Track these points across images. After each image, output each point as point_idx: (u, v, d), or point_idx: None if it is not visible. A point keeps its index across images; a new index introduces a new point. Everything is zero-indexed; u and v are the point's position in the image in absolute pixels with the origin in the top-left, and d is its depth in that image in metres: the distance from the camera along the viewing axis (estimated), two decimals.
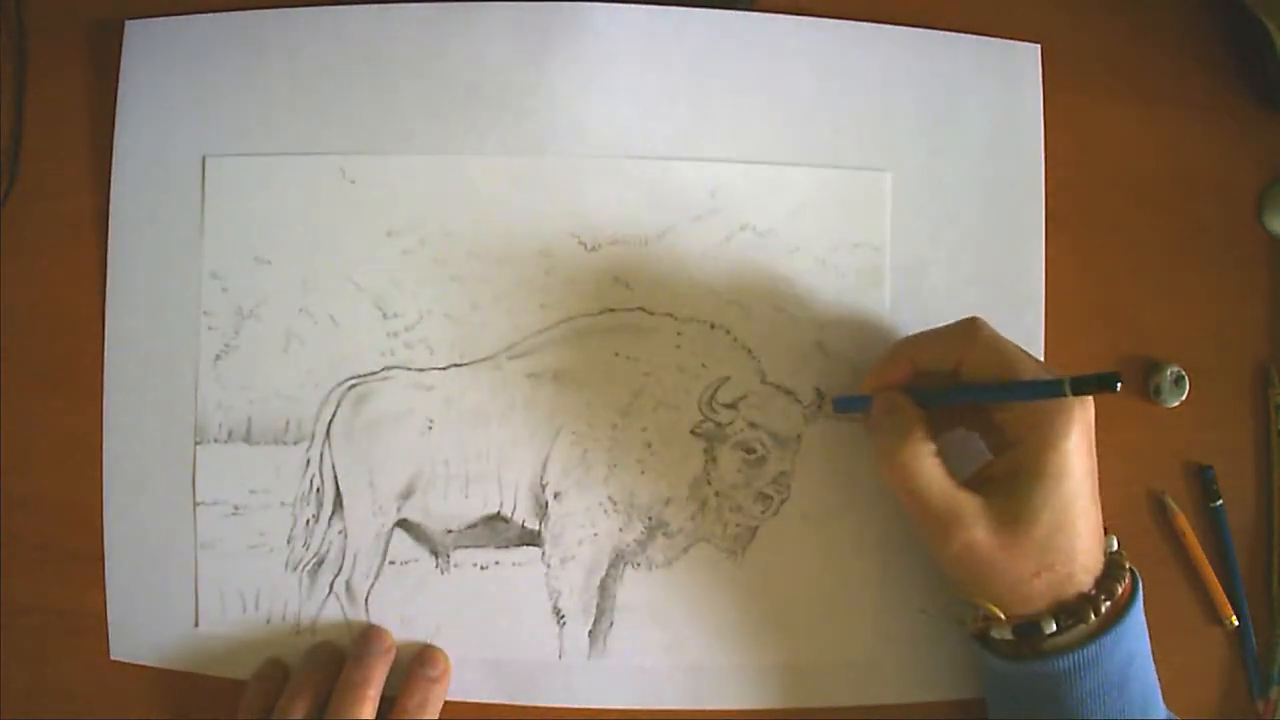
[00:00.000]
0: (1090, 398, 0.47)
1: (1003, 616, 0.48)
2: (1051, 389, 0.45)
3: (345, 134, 0.56)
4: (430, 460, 0.56)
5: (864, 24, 0.57)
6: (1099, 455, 0.57)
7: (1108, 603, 0.47)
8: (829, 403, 0.56)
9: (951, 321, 0.51)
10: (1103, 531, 0.49)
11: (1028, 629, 0.48)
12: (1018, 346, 0.49)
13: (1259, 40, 0.57)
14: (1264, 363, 0.59)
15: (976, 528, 0.47)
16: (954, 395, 0.50)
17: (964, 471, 0.49)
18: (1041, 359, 0.56)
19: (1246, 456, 0.59)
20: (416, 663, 0.54)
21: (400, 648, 0.55)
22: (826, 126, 0.57)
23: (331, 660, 0.54)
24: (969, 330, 0.49)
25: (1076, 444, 0.46)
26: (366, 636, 0.54)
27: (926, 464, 0.48)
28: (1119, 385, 0.43)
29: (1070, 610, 0.47)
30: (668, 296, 0.56)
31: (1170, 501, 0.58)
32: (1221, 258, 0.59)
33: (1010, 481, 0.48)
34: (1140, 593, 0.49)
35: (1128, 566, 0.49)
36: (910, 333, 0.55)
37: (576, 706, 0.56)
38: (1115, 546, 0.50)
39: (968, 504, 0.47)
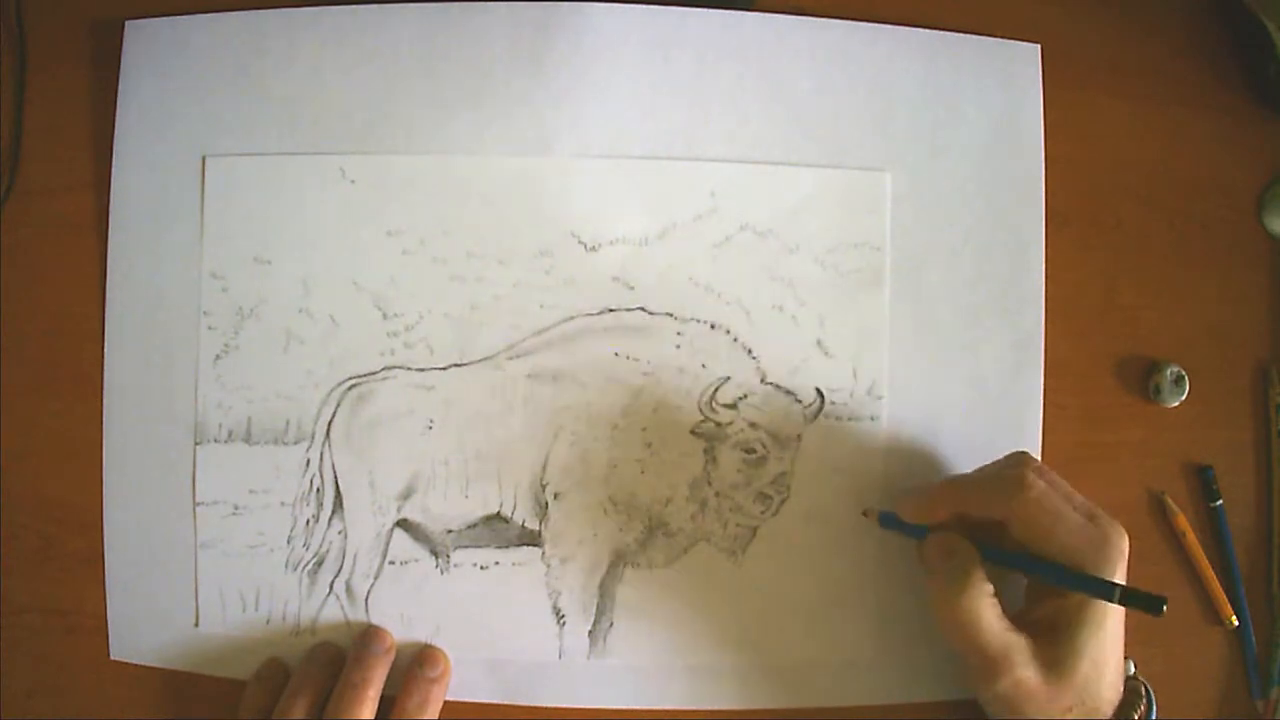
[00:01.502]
0: (1127, 548, 0.48)
1: None
2: (1103, 592, 0.47)
3: (345, 134, 0.56)
4: (430, 460, 0.55)
5: (864, 24, 0.57)
6: (1099, 454, 0.57)
7: None
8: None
9: (998, 459, 0.52)
10: (1123, 659, 0.51)
11: None
12: (1066, 503, 0.49)
13: (1259, 40, 0.57)
14: (1264, 363, 0.59)
15: (1026, 669, 0.48)
16: (1009, 561, 0.50)
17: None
18: (1040, 361, 0.56)
19: (1246, 456, 0.59)
20: (416, 663, 0.54)
21: (400, 648, 0.55)
22: (826, 126, 0.57)
23: (331, 660, 0.54)
24: (1018, 484, 0.49)
25: (1113, 641, 0.49)
26: (366, 637, 0.54)
27: (985, 607, 0.49)
28: (1164, 609, 0.45)
29: None
30: (668, 296, 0.56)
31: (1170, 501, 0.58)
32: (1221, 258, 0.59)
33: (1053, 626, 0.49)
34: (1154, 713, 0.51)
35: (1144, 691, 0.51)
36: (911, 329, 0.55)
37: (576, 706, 0.56)
38: (1133, 670, 0.52)
39: (1020, 646, 0.48)
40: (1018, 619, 0.50)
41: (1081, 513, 0.49)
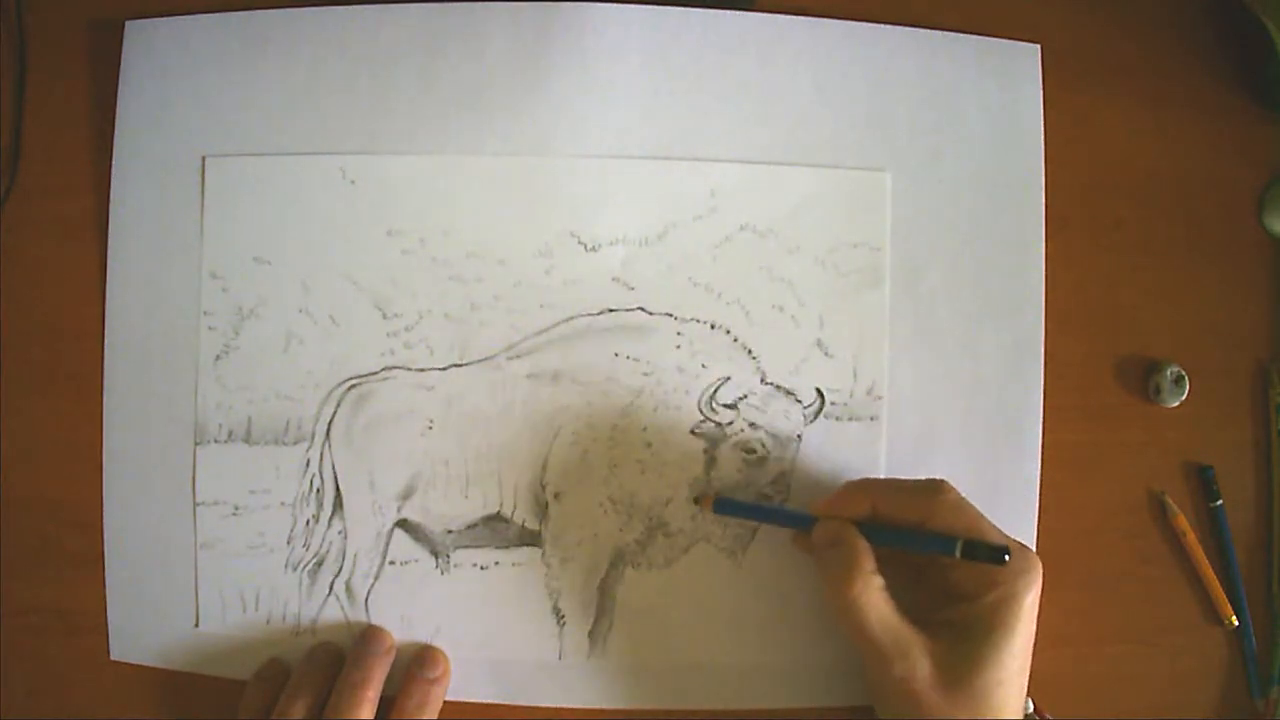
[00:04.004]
0: (1039, 566, 0.49)
1: None
2: (944, 547, 0.48)
3: (345, 134, 0.56)
4: (430, 460, 0.56)
5: (864, 24, 0.57)
6: (1099, 455, 0.58)
7: None
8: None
9: (920, 478, 0.52)
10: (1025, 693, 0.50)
11: None
12: (980, 513, 0.49)
13: (1259, 40, 0.57)
14: (1264, 363, 0.59)
15: (920, 663, 0.47)
16: (887, 538, 0.50)
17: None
18: (1040, 360, 0.56)
19: (1246, 456, 0.59)
20: (416, 664, 0.54)
21: (400, 648, 0.55)
22: (826, 126, 0.57)
23: (331, 661, 0.54)
24: (935, 489, 0.50)
25: (1032, 604, 0.48)
26: (366, 637, 0.54)
27: (874, 597, 0.48)
28: (1006, 559, 0.47)
29: None
30: (668, 296, 0.56)
31: (1170, 501, 0.58)
32: (1221, 258, 0.59)
33: (961, 631, 0.48)
34: None
35: None
36: (911, 329, 0.56)
37: (576, 706, 0.56)
38: (1031, 709, 0.52)
39: (914, 638, 0.48)
40: (920, 621, 0.49)
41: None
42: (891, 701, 0.49)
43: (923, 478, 0.51)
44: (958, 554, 0.47)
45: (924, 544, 0.49)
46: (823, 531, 0.51)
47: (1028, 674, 0.49)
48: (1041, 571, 0.48)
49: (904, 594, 0.49)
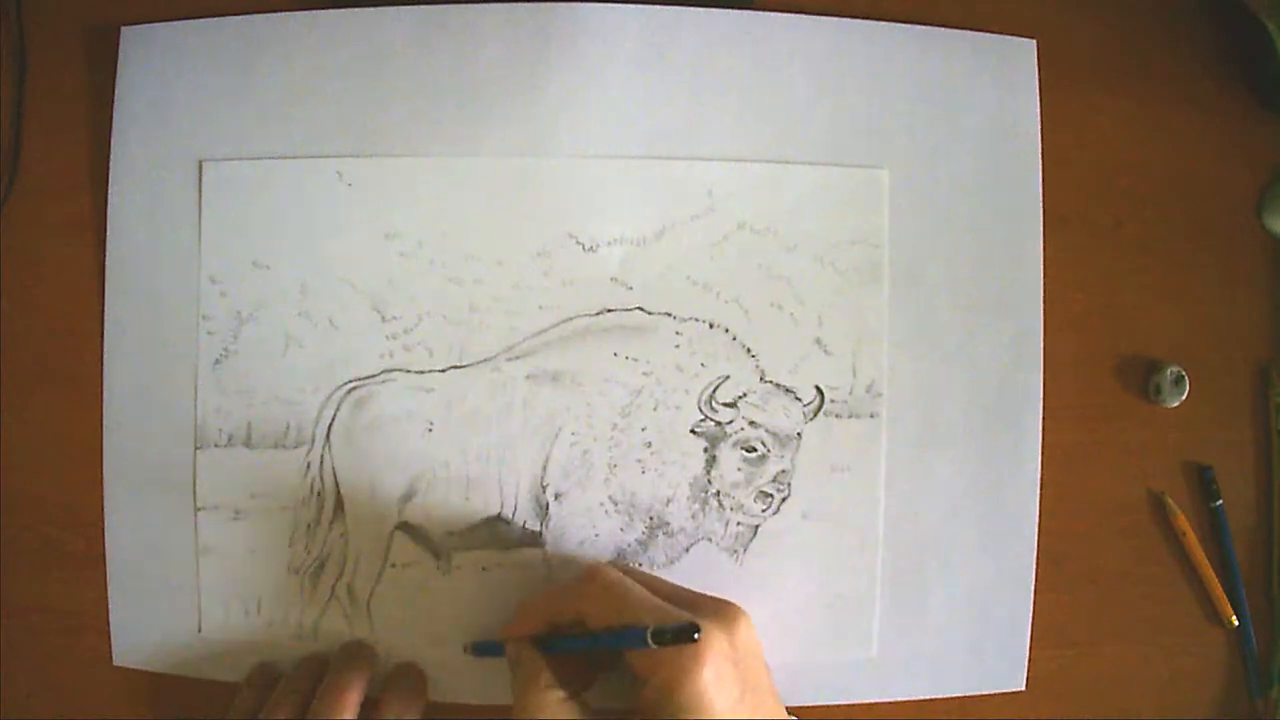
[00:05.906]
0: (728, 625, 0.46)
1: None
2: (634, 640, 0.44)
3: (342, 137, 0.56)
4: (430, 463, 0.55)
5: (860, 21, 0.57)
6: (1099, 455, 0.57)
7: None
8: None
9: None
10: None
11: None
12: (642, 590, 0.48)
13: (1259, 40, 0.57)
14: (1264, 363, 0.59)
15: None
16: (565, 645, 0.49)
17: None
18: (1040, 360, 0.56)
19: (1246, 456, 0.59)
20: (392, 679, 0.54)
21: (400, 650, 0.55)
22: (823, 124, 0.56)
23: (320, 668, 0.53)
24: (587, 578, 0.49)
25: (712, 679, 0.44)
26: (348, 648, 0.54)
27: (551, 709, 0.47)
28: (696, 636, 0.42)
29: None
30: (666, 296, 0.56)
31: (1170, 501, 0.58)
32: (1221, 258, 0.59)
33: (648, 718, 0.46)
34: None
35: None
36: (910, 326, 0.56)
37: None
38: None
39: None
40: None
41: (676, 599, 0.47)
42: None
43: (583, 566, 0.51)
44: (650, 643, 0.43)
45: (611, 640, 0.47)
46: (508, 654, 0.51)
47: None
48: (718, 644, 0.44)
49: (607, 694, 0.49)
